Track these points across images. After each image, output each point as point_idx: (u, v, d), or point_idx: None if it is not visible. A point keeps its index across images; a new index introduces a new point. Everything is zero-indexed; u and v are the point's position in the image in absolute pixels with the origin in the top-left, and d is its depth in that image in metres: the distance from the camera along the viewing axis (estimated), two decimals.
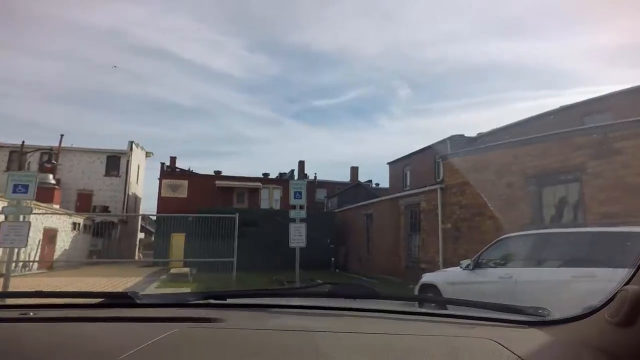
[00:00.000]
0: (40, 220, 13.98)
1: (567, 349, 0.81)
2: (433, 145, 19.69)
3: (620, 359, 0.68)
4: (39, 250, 14.43)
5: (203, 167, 61.40)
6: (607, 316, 0.72)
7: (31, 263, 13.82)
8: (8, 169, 23.69)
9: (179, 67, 51.08)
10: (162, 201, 23.43)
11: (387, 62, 57.23)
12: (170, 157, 27.11)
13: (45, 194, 15.36)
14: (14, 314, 1.01)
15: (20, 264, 12.10)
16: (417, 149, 21.81)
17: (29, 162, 15.21)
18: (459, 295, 4.88)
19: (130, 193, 26.69)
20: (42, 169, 18.59)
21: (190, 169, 26.63)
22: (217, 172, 26.34)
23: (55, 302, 1.19)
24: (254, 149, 59.95)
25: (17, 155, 24.00)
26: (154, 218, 29.18)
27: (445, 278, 5.34)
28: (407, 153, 22.81)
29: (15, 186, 5.48)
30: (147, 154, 30.38)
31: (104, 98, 51.99)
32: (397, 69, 58.02)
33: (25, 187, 5.48)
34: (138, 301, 1.11)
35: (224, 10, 49.47)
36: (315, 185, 27.55)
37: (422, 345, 0.82)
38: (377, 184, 28.82)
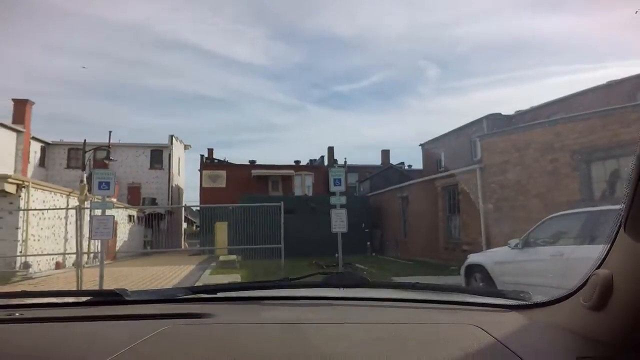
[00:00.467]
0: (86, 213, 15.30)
1: (544, 332, 0.82)
2: (469, 124, 19.12)
3: (592, 341, 0.70)
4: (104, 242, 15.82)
5: (232, 156, 63.27)
6: (581, 300, 0.73)
7: (98, 255, 15.25)
8: (68, 166, 26.05)
9: (203, 59, 52.43)
10: (203, 191, 24.68)
11: (410, 43, 55.22)
12: (208, 149, 28.38)
13: None
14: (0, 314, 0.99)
15: (92, 255, 13.49)
16: (450, 129, 21.27)
17: (85, 158, 16.51)
18: (508, 274, 4.99)
19: (173, 185, 28.39)
20: (99, 165, 20.16)
21: (226, 159, 27.75)
22: (252, 162, 27.23)
23: (42, 301, 1.16)
24: (282, 135, 60.92)
25: (75, 152, 26.26)
26: (196, 209, 30.95)
27: (493, 258, 5.44)
28: (439, 134, 22.33)
29: (100, 183, 6.24)
30: (186, 147, 31.92)
31: (135, 93, 54.64)
32: (421, 49, 55.90)
33: (107, 184, 6.24)
34: (127, 298, 1.10)
35: (242, 0, 49.67)
36: (346, 169, 27.73)
37: (408, 332, 0.83)
38: (410, 166, 28.44)
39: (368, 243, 16.42)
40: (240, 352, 0.74)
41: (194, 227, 36.03)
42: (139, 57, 49.91)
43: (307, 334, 0.82)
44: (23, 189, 10.03)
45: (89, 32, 45.97)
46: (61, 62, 43.84)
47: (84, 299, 1.15)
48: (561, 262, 3.99)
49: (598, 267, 0.71)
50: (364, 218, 17.12)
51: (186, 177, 32.78)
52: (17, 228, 9.81)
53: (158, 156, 27.90)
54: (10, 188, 9.58)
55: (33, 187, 10.56)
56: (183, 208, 30.88)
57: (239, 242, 13.91)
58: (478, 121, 18.67)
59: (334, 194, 8.46)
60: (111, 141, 26.08)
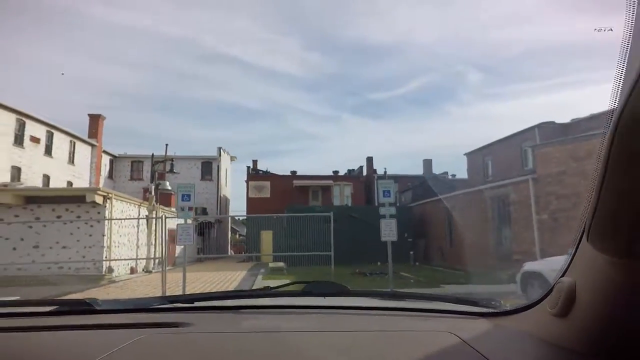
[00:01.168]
0: (164, 223, 16.78)
1: (514, 338, 0.84)
2: (519, 133, 18.52)
3: (558, 348, 0.71)
4: (167, 249, 17.31)
5: (273, 166, 65.45)
6: (547, 307, 0.74)
7: (166, 260, 16.67)
8: (131, 178, 28.86)
9: (244, 71, 54.89)
10: (249, 201, 26.00)
11: (448, 48, 53.94)
12: (252, 161, 29.88)
13: (165, 199, 18.52)
14: None
15: (156, 261, 14.93)
16: (497, 137, 20.68)
17: (153, 170, 18.20)
18: None
19: (221, 195, 30.24)
20: (159, 177, 22.10)
21: (268, 170, 29.07)
22: (293, 172, 28.26)
23: (4, 311, 1.12)
24: (320, 145, 61.91)
25: (137, 165, 29.06)
26: (241, 219, 32.54)
27: (551, 266, 5.49)
28: (484, 142, 21.75)
29: (183, 195, 7.28)
30: (232, 158, 33.91)
31: (184, 105, 58.62)
32: (461, 54, 54.35)
33: (188, 196, 7.25)
34: (97, 307, 1.06)
35: (278, 11, 51.82)
36: (385, 179, 27.80)
37: (386, 340, 0.84)
38: (454, 175, 27.83)
39: (411, 252, 16.42)
40: None
41: (237, 236, 37.79)
42: (187, 69, 53.63)
43: (287, 343, 0.82)
44: (108, 200, 11.58)
45: (140, 45, 49.98)
46: (116, 75, 48.05)
47: (49, 308, 1.09)
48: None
49: (562, 275, 0.72)
50: (406, 228, 17.12)
51: (232, 188, 34.74)
52: (103, 235, 11.28)
53: (208, 168, 29.98)
54: (99, 199, 11.12)
55: (115, 199, 12.12)
56: (229, 218, 32.72)
57: (283, 250, 14.56)
58: (530, 130, 18.03)
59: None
60: (167, 154, 28.68)
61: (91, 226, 11.12)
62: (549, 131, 16.47)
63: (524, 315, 0.87)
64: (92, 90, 48.40)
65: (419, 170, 29.24)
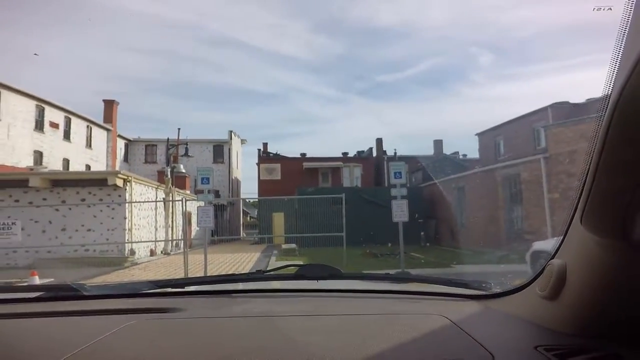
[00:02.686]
0: (181, 205, 17.16)
1: (505, 321, 0.84)
2: (531, 113, 18.18)
3: (548, 330, 0.71)
4: (183, 231, 17.71)
5: (283, 148, 65.84)
6: (537, 290, 0.74)
7: (181, 243, 17.22)
8: (146, 161, 29.50)
9: (251, 55, 54.66)
10: (261, 184, 26.39)
11: (459, 29, 52.24)
12: (263, 144, 30.08)
13: (180, 182, 19.00)
14: None
15: (174, 243, 15.49)
16: (509, 118, 20.34)
17: (169, 154, 18.56)
18: None
19: (233, 177, 30.72)
20: (173, 160, 22.49)
21: (278, 152, 29.26)
22: (303, 155, 28.38)
23: None
24: (329, 127, 61.81)
25: (151, 148, 29.64)
26: (252, 200, 33.08)
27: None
28: (495, 123, 21.43)
29: (202, 179, 7.55)
30: (242, 141, 34.18)
31: (194, 90, 58.89)
32: (472, 35, 52.59)
33: (207, 179, 7.53)
34: (85, 293, 1.04)
35: None
36: (395, 160, 27.73)
37: (380, 323, 0.84)
38: (465, 155, 27.56)
39: (422, 233, 16.61)
40: (212, 346, 0.72)
41: (249, 218, 38.52)
42: (196, 54, 53.68)
43: (280, 327, 0.82)
44: (128, 183, 12.01)
45: (150, 31, 50.11)
46: (128, 61, 48.55)
47: (35, 294, 1.08)
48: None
49: (552, 257, 0.72)
50: (417, 208, 17.14)
51: (243, 170, 35.20)
52: (125, 218, 11.76)
53: (219, 151, 30.34)
54: (120, 182, 11.55)
55: (134, 182, 12.56)
56: (241, 200, 33.28)
57: (295, 231, 14.87)
58: (542, 110, 17.68)
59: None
60: (179, 137, 29.09)
61: (113, 209, 11.60)
62: (561, 111, 16.14)
63: (514, 297, 0.88)
64: (104, 76, 48.85)
65: (429, 151, 28.99)
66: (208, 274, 7.45)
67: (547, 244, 6.04)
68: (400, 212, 8.73)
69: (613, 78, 0.47)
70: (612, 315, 0.64)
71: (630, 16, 0.46)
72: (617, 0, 0.47)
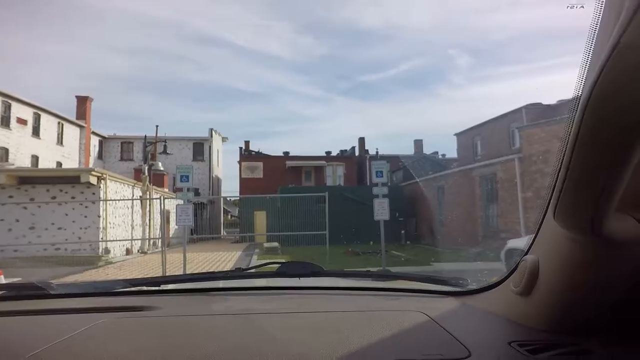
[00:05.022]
0: (158, 203, 16.68)
1: (480, 317, 0.86)
2: (507, 114, 18.83)
3: (522, 326, 0.72)
4: (161, 230, 17.24)
5: (266, 147, 64.81)
6: (512, 286, 0.75)
7: (158, 242, 16.73)
8: (122, 158, 28.53)
9: (235, 54, 54.18)
10: (242, 182, 26.08)
11: (440, 32, 53.73)
12: (245, 142, 29.67)
13: (158, 180, 18.48)
14: None
15: (152, 242, 15.06)
16: (487, 118, 20.99)
17: (146, 151, 18.00)
18: None
19: (213, 175, 30.18)
20: (151, 158, 21.86)
21: (260, 151, 28.99)
22: (286, 153, 28.25)
23: None
24: (312, 126, 61.81)
25: (127, 145, 28.70)
26: (233, 199, 32.64)
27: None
28: (474, 123, 22.07)
29: (181, 177, 7.37)
30: (223, 139, 33.63)
31: (176, 88, 57.49)
32: (452, 38, 54.22)
33: (187, 177, 7.35)
34: (51, 291, 1.00)
35: None
36: (377, 159, 28.10)
37: (360, 320, 0.84)
38: (444, 155, 28.23)
39: (402, 231, 16.89)
40: (190, 344, 0.70)
41: (229, 217, 37.99)
42: (178, 52, 52.58)
43: (260, 324, 0.81)
44: (102, 180, 11.55)
45: (131, 28, 48.77)
46: (107, 58, 46.99)
47: None
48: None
49: (526, 254, 0.72)
50: (397, 207, 17.46)
51: (224, 168, 34.65)
52: (99, 216, 11.33)
53: (200, 149, 29.74)
54: (93, 180, 11.09)
55: (109, 179, 12.09)
56: (222, 198, 32.79)
57: (277, 229, 14.77)
58: (517, 111, 18.34)
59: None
60: (158, 135, 28.31)
61: (86, 207, 11.14)
62: (535, 112, 16.79)
63: (489, 293, 0.89)
64: (84, 74, 47.02)
65: (410, 151, 29.56)
66: (187, 273, 7.28)
67: (521, 242, 6.27)
68: (381, 210, 8.84)
69: (583, 78, 0.48)
70: (583, 311, 0.65)
71: (600, 17, 0.46)
72: (590, 1, 0.48)
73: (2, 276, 5.52)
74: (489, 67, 55.70)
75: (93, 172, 11.26)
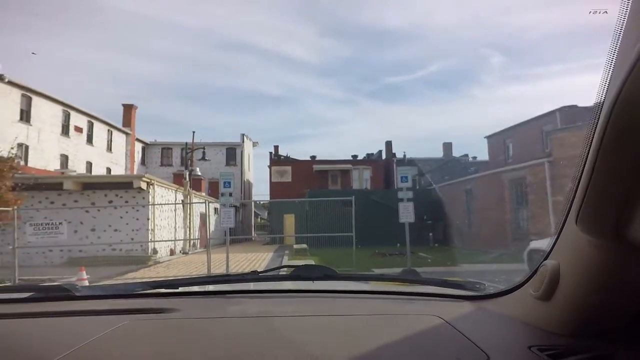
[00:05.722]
0: (197, 207, 17.78)
1: (499, 322, 0.84)
2: (541, 116, 18.43)
3: (542, 331, 0.72)
4: (199, 232, 18.36)
5: (294, 150, 66.62)
6: (531, 290, 0.74)
7: (197, 243, 17.83)
8: (162, 164, 30.60)
9: (262, 59, 55.93)
10: (272, 186, 27.08)
11: (470, 31, 52.22)
12: (274, 146, 30.80)
13: (197, 184, 19.83)
14: None
15: (191, 243, 16.23)
16: (519, 120, 20.56)
17: (187, 158, 19.44)
18: None
19: (245, 180, 31.55)
20: (190, 164, 23.25)
21: (288, 155, 29.91)
22: (313, 157, 28.98)
23: None
24: (338, 129, 62.45)
25: (166, 151, 30.78)
26: (261, 202, 33.83)
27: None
28: (506, 125, 21.64)
29: (224, 182, 8.29)
30: (254, 144, 35.04)
31: (207, 93, 60.34)
32: (483, 37, 52.50)
33: (229, 182, 8.25)
34: (77, 293, 1.04)
35: (293, 1, 51.60)
36: (405, 163, 28.07)
37: (375, 324, 0.85)
38: (475, 157, 27.68)
39: (430, 234, 16.99)
40: (208, 346, 0.72)
41: (259, 220, 39.30)
42: (208, 58, 55.11)
43: (275, 327, 0.83)
44: (151, 186, 12.81)
45: (164, 36, 51.69)
46: (143, 66, 50.24)
47: (26, 294, 1.08)
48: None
49: (546, 258, 0.72)
50: (425, 210, 17.61)
51: (254, 172, 36.02)
52: (148, 219, 12.54)
53: (232, 154, 31.25)
54: (144, 185, 12.35)
55: (157, 185, 13.36)
56: (252, 201, 34.11)
57: (305, 232, 15.36)
58: (551, 113, 17.93)
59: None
60: (194, 140, 30.10)
61: (137, 210, 12.40)
62: (570, 114, 16.35)
63: (507, 298, 0.88)
64: (121, 81, 50.60)
65: (439, 153, 29.27)
66: (231, 271, 8.07)
67: (543, 243, 6.46)
68: (406, 213, 9.24)
69: (608, 81, 0.47)
70: (604, 316, 0.65)
71: (626, 19, 0.45)
72: (613, 4, 0.47)
73: (84, 272, 6.55)
74: (524, 67, 53.61)
75: (144, 178, 12.53)
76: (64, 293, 1.05)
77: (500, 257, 10.96)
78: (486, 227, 14.17)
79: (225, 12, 49.87)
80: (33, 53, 35.01)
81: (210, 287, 1.26)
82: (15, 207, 8.06)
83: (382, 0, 52.70)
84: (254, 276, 1.24)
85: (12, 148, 9.68)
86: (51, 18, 37.72)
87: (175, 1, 45.77)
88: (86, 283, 6.27)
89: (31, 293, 1.08)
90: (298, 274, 1.21)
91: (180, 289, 1.15)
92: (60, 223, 7.66)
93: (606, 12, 0.61)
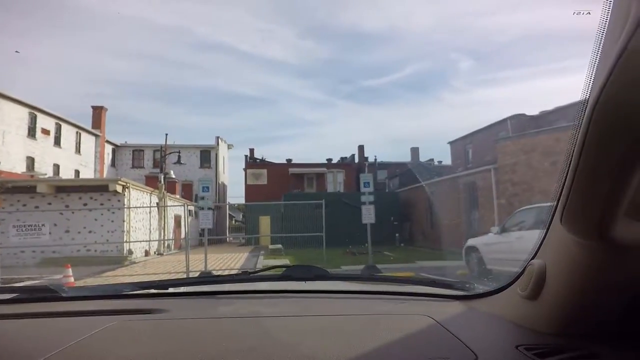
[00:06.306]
0: (171, 209, 18.11)
1: (487, 321, 0.86)
2: (495, 124, 20.20)
3: (529, 330, 0.73)
4: (173, 234, 18.66)
5: (270, 152, 66.75)
6: (518, 290, 0.76)
7: (172, 244, 18.27)
8: (133, 166, 30.15)
9: (239, 59, 55.41)
10: (248, 188, 27.53)
11: (443, 35, 54.86)
12: (250, 149, 31.19)
13: (171, 187, 20.03)
14: None
15: (166, 244, 16.51)
16: (480, 126, 22.29)
17: (162, 161, 19.50)
18: (491, 252, 6.83)
19: (219, 182, 31.71)
20: (157, 165, 23.28)
21: (264, 158, 30.47)
22: (289, 160, 29.71)
23: None
24: (314, 130, 63.32)
25: (137, 153, 30.36)
26: (236, 205, 34.13)
27: (482, 240, 7.28)
28: (474, 128, 23.34)
29: (203, 187, 8.97)
30: (229, 146, 35.21)
31: (181, 93, 59.12)
32: (455, 41, 55.22)
33: (208, 187, 8.93)
34: (63, 294, 1.02)
35: (272, 0, 52.09)
36: (375, 167, 29.51)
37: (367, 324, 0.86)
38: (440, 162, 29.52)
39: (397, 234, 18.23)
40: (198, 347, 0.71)
41: (233, 222, 39.44)
42: (183, 58, 54.20)
43: (267, 328, 0.83)
44: (126, 189, 13.09)
45: (138, 35, 50.10)
46: (114, 64, 48.06)
47: (10, 295, 1.05)
48: (522, 243, 5.75)
49: (533, 257, 0.73)
50: (393, 212, 18.96)
51: (229, 174, 36.17)
52: (124, 221, 12.80)
53: (206, 156, 31.33)
54: (119, 188, 12.63)
55: (132, 188, 13.63)
56: (227, 204, 34.26)
57: (280, 233, 16.10)
58: (503, 121, 19.73)
59: (363, 193, 10.61)
60: (167, 142, 29.92)
61: (113, 212, 12.67)
62: (519, 123, 18.16)
63: (495, 297, 0.90)
64: (91, 80, 48.77)
65: (408, 157, 30.90)
66: (209, 270, 8.67)
67: (477, 240, 7.66)
68: (368, 215, 10.29)
69: (591, 82, 0.47)
70: (590, 315, 0.66)
71: (607, 22, 0.46)
72: (596, 5, 0.47)
73: (70, 269, 6.96)
74: (491, 71, 56.72)
75: (119, 182, 12.80)
76: (50, 294, 1.04)
77: (452, 255, 12.24)
78: (444, 228, 15.55)
79: (201, 12, 49.56)
80: (17, 51, 33.10)
81: (201, 288, 1.25)
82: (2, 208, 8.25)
83: (359, 3, 54.15)
84: (244, 276, 1.26)
85: None
86: (18, 13, 36.11)
87: (150, 0, 44.98)
88: (72, 280, 6.72)
89: (15, 294, 1.07)
90: (289, 274, 1.22)
91: (170, 290, 1.15)
92: (43, 225, 7.97)
93: (589, 13, 0.61)
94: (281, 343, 0.75)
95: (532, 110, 19.71)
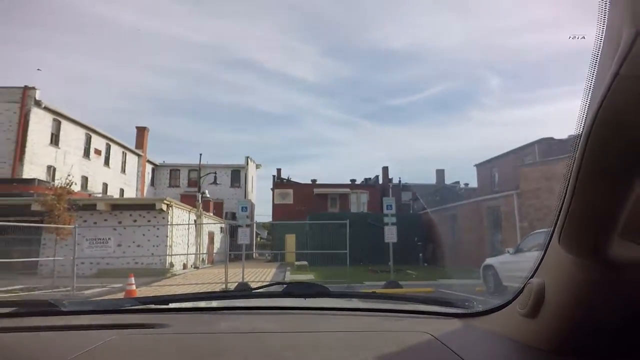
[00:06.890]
0: (206, 226, 19.40)
1: (487, 339, 0.87)
2: (522, 147, 20.24)
3: (528, 348, 0.73)
4: (207, 249, 19.85)
5: (294, 171, 67.80)
6: (518, 308, 0.76)
7: (205, 258, 19.32)
8: (170, 185, 32.27)
9: (265, 77, 56.70)
10: (275, 207, 28.71)
11: (471, 53, 54.84)
12: (277, 169, 32.66)
13: (205, 205, 21.51)
14: None
15: (200, 258, 17.75)
16: (505, 150, 22.31)
17: (199, 182, 21.08)
18: (507, 271, 7.29)
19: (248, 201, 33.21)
20: (192, 184, 24.92)
21: (289, 177, 31.69)
22: (314, 181, 30.76)
23: None
24: (338, 150, 63.83)
25: (174, 173, 32.49)
26: (262, 223, 35.44)
27: (498, 260, 7.79)
28: (495, 154, 23.36)
29: (242, 207, 10.18)
30: (257, 166, 36.91)
31: (211, 110, 60.84)
32: (484, 59, 54.96)
33: (246, 207, 10.11)
34: (63, 308, 1.02)
35: (298, 19, 53.38)
36: (400, 188, 29.92)
37: (368, 341, 0.86)
38: (467, 184, 29.39)
39: (420, 255, 18.48)
40: None
41: (259, 239, 40.60)
42: (215, 76, 55.81)
43: (265, 344, 0.83)
44: (170, 207, 14.53)
45: (170, 51, 52.50)
46: (149, 81, 51.25)
47: (10, 309, 1.06)
48: (534, 262, 6.20)
49: (532, 276, 0.74)
50: (416, 232, 19.28)
51: (256, 193, 37.65)
52: (167, 236, 14.16)
53: (237, 176, 33.00)
54: (164, 207, 14.08)
55: (175, 206, 15.10)
56: (255, 222, 35.58)
57: (305, 250, 16.86)
58: (530, 145, 19.78)
59: (386, 215, 11.34)
60: (198, 161, 31.93)
61: (158, 229, 14.07)
62: (547, 146, 18.21)
63: (495, 315, 0.90)
64: (127, 96, 52.15)
65: (434, 179, 31.02)
66: (246, 281, 9.55)
67: (493, 260, 8.13)
68: (390, 235, 10.95)
69: (586, 108, 0.48)
70: (588, 333, 0.66)
71: (601, 47, 0.46)
72: (592, 29, 0.46)
73: (132, 278, 8.07)
74: (521, 90, 55.27)
75: (165, 201, 14.26)
76: (50, 308, 1.04)
77: (473, 273, 12.48)
78: (467, 249, 15.76)
79: (230, 30, 50.75)
80: (38, 69, 37.41)
81: (201, 304, 1.27)
82: (76, 225, 9.72)
83: (386, 21, 54.98)
84: (245, 293, 1.29)
85: (68, 175, 11.63)
86: (62, 32, 39.68)
87: (182, 19, 48.03)
88: (134, 287, 7.81)
89: (15, 308, 1.08)
90: (290, 291, 1.24)
91: (171, 305, 1.16)
92: (109, 238, 9.25)
93: (584, 37, 0.61)
94: (281, 359, 0.76)
95: (561, 134, 19.64)
